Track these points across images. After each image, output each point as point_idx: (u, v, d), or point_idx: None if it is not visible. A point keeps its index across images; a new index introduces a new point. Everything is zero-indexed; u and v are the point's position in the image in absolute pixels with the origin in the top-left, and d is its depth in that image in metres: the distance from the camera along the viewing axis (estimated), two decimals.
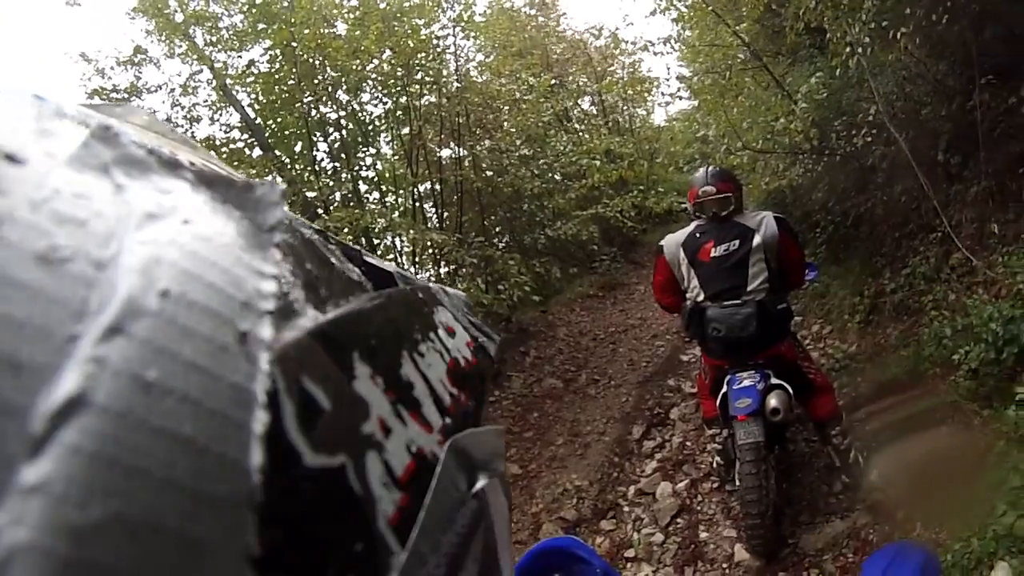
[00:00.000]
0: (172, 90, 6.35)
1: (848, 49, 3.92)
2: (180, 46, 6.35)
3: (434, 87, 6.40)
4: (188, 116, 6.40)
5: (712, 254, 3.02)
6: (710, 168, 3.25)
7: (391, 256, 6.66)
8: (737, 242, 2.99)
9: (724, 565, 3.03)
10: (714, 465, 3.50)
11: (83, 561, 0.14)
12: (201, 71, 6.37)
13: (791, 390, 2.91)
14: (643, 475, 3.91)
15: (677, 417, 4.47)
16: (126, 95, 6.12)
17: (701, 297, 3.05)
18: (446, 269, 6.32)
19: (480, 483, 0.30)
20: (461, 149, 6.62)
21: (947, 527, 2.50)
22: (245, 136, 6.63)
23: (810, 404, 3.07)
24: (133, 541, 0.15)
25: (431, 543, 0.25)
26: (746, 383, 2.87)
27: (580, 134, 9.50)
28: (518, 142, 6.77)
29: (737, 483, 2.86)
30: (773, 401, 2.82)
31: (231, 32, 6.42)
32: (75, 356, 0.16)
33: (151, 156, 0.22)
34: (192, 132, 6.32)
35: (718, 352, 3.03)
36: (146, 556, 0.15)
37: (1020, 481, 2.37)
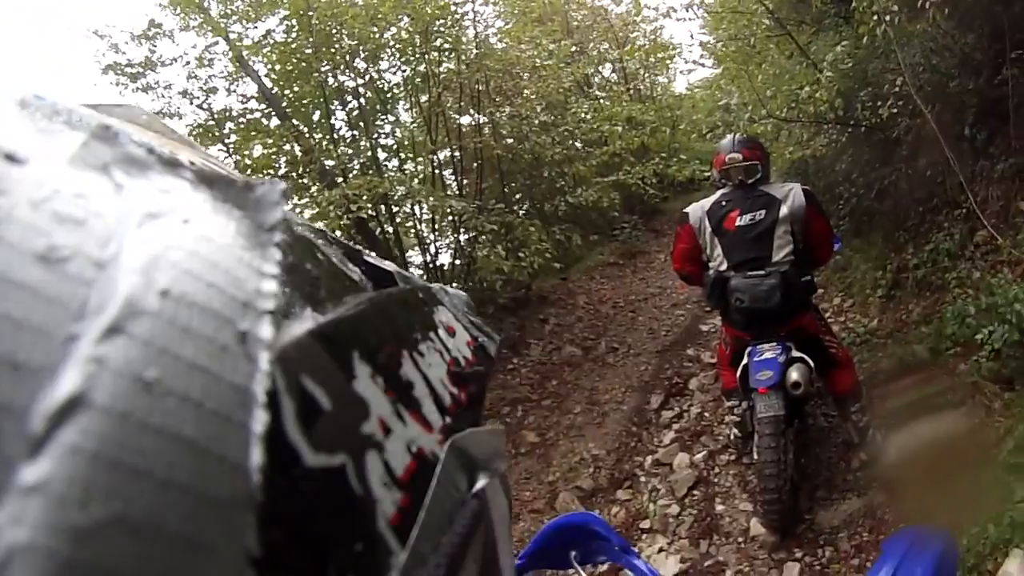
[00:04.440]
0: (188, 63, 6.30)
1: (875, 18, 3.79)
2: (195, 18, 6.30)
3: (453, 54, 6.32)
4: (204, 88, 6.36)
5: (737, 223, 2.98)
6: (737, 135, 3.21)
7: (410, 223, 6.65)
8: (763, 212, 2.94)
9: (739, 539, 3.02)
10: (731, 437, 3.49)
11: (83, 561, 0.14)
12: (216, 43, 6.31)
13: (812, 364, 2.87)
14: (660, 445, 3.91)
15: (696, 387, 4.45)
16: (141, 69, 6.10)
17: (724, 267, 3.02)
18: (466, 236, 6.29)
19: (480, 483, 0.31)
20: (481, 116, 6.55)
21: (962, 512, 2.48)
22: (262, 106, 6.58)
23: (830, 379, 3.04)
24: (133, 541, 0.15)
25: (431, 543, 0.25)
26: (767, 355, 2.84)
27: (601, 101, 9.35)
28: (538, 109, 6.67)
29: (755, 456, 2.85)
30: (794, 375, 2.80)
31: (246, 3, 6.35)
32: (75, 356, 0.16)
33: (151, 156, 0.22)
34: (209, 103, 6.32)
35: (740, 323, 3.00)
36: (146, 556, 0.15)
37: None
